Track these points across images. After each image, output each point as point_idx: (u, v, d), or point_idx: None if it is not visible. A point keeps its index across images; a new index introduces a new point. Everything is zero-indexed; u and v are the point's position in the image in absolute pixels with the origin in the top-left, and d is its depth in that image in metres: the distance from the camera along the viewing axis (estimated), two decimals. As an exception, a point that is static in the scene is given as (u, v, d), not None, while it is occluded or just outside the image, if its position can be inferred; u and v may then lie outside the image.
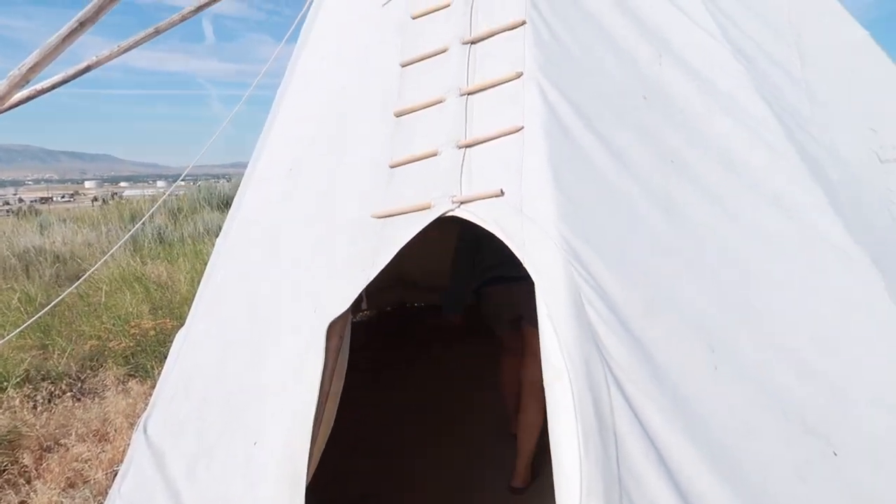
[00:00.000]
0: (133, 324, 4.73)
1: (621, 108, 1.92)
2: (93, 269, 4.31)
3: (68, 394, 3.91)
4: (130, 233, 5.80)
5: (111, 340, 4.60)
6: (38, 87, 2.81)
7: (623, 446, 1.35)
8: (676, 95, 2.02)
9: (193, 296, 5.65)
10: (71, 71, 2.89)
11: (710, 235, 1.76)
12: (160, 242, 10.14)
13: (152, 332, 4.67)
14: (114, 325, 4.86)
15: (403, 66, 2.19)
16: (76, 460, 3.06)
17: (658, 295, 1.60)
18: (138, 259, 8.12)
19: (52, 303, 3.55)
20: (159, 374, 4.12)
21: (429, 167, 1.92)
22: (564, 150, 1.76)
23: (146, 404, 3.53)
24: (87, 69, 2.91)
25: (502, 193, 1.73)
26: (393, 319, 5.73)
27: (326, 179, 2.20)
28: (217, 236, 9.85)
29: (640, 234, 1.68)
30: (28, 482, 2.92)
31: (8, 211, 25.98)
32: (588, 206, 1.67)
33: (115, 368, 4.23)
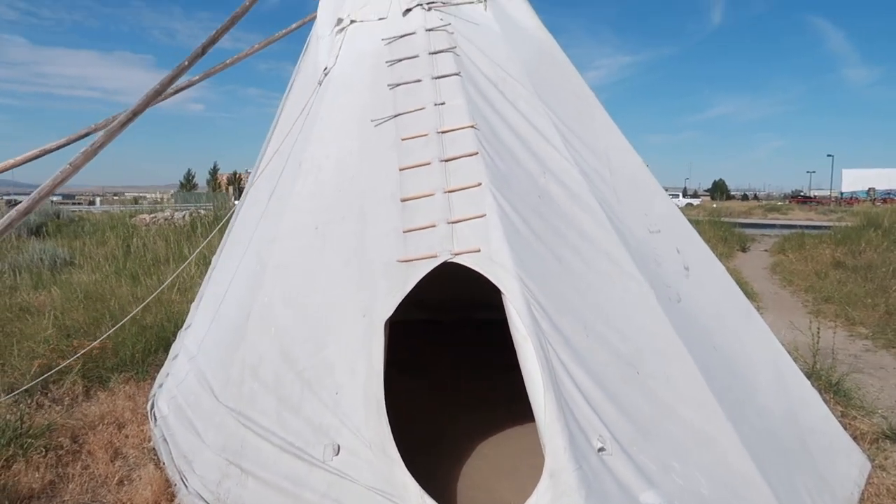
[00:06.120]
0: (76, 343, 5.42)
1: (531, 203, 3.57)
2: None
3: (51, 400, 4.63)
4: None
5: (56, 359, 5.26)
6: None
7: (555, 368, 2.96)
8: (553, 195, 3.72)
9: (92, 319, 6.33)
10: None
11: (579, 272, 3.46)
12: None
13: (96, 351, 5.42)
14: (56, 344, 5.49)
15: (401, 170, 3.65)
16: (110, 440, 3.94)
17: (560, 301, 3.25)
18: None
19: (135, 314, 4.29)
20: (118, 383, 4.98)
21: (431, 233, 3.40)
22: (510, 227, 3.35)
23: (144, 399, 4.48)
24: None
25: (479, 250, 3.28)
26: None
27: (355, 238, 3.56)
28: (54, 266, 10.05)
29: (551, 271, 3.33)
30: (82, 457, 3.76)
31: None
32: (526, 257, 3.28)
33: (78, 381, 4.98)
